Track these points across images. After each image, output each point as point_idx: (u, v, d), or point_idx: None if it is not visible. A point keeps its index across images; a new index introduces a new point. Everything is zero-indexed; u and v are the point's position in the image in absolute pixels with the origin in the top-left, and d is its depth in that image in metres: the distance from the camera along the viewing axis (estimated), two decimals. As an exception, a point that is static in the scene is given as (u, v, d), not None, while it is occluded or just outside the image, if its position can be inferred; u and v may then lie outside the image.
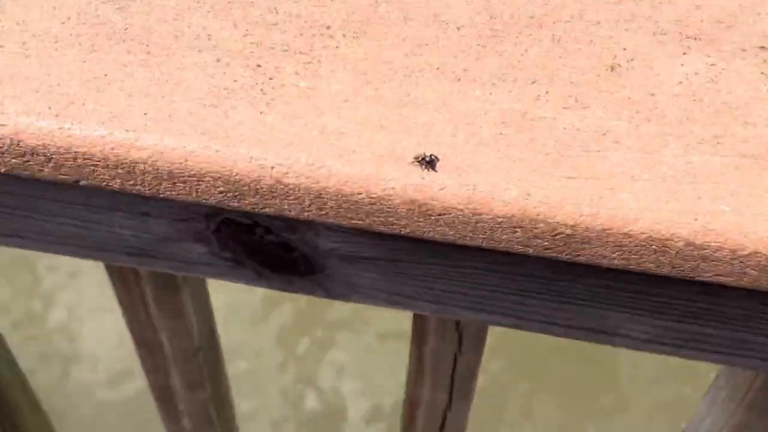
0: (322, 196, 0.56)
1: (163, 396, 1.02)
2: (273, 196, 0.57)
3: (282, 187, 0.56)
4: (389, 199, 0.55)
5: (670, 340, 0.72)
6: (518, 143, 0.56)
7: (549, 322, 0.73)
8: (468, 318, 0.76)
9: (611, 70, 0.59)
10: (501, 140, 0.56)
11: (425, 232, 0.57)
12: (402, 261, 0.68)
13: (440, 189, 0.54)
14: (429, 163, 0.55)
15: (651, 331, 0.72)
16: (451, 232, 0.57)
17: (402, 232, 0.58)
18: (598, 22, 0.62)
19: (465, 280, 0.68)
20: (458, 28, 0.62)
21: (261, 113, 0.57)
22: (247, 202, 0.58)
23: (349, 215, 0.57)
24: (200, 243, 0.72)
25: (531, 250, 0.57)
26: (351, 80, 0.59)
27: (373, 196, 0.55)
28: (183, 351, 0.94)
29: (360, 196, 0.55)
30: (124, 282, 0.86)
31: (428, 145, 0.56)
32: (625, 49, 0.60)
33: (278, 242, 0.70)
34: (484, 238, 0.57)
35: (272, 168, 0.55)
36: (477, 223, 0.55)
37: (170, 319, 0.89)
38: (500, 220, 0.55)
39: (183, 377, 0.98)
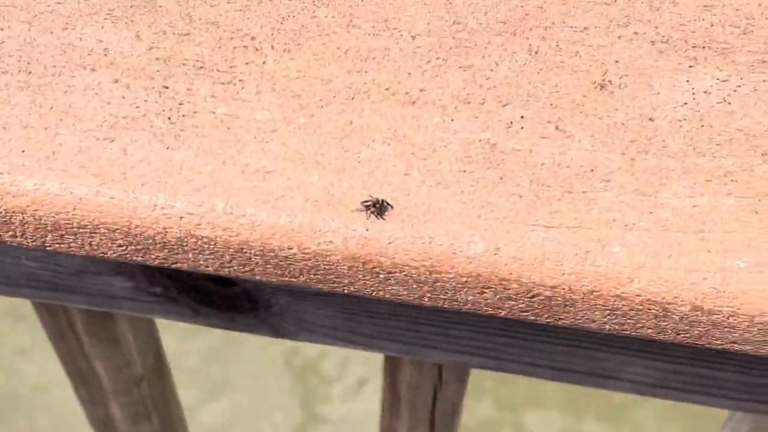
0: (245, 251, 0.50)
1: (104, 429, 0.97)
2: (184, 251, 0.51)
3: (194, 240, 0.50)
4: (327, 256, 0.49)
5: (678, 384, 0.68)
6: (486, 183, 0.50)
7: (534, 364, 0.68)
8: (439, 360, 0.72)
9: (601, 89, 0.53)
10: (465, 180, 0.49)
11: (373, 291, 0.51)
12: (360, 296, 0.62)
13: (389, 243, 0.48)
14: (377, 209, 0.49)
15: (655, 375, 0.68)
16: (404, 292, 0.51)
17: (345, 291, 0.52)
18: (585, 29, 0.55)
19: (435, 318, 0.63)
20: (413, 38, 0.55)
21: (168, 148, 0.50)
22: (153, 256, 0.52)
23: (278, 272, 0.51)
24: (122, 277, 0.66)
25: (504, 313, 0.51)
26: (280, 105, 0.52)
27: (306, 251, 0.49)
28: (123, 381, 0.90)
29: (291, 252, 0.49)
30: (48, 308, 0.80)
31: (375, 187, 0.50)
32: (617, 62, 0.54)
33: (215, 276, 0.64)
34: (445, 299, 0.51)
35: (181, 218, 0.49)
36: (436, 282, 0.49)
37: (106, 348, 0.86)
38: (464, 279, 0.49)
39: (125, 409, 0.95)
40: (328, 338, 0.72)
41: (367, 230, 0.49)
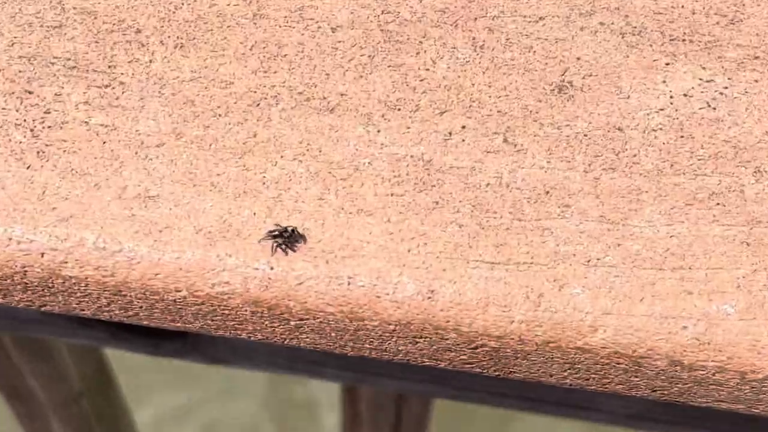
0: (124, 293, 0.42)
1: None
2: (51, 293, 0.43)
3: (61, 281, 0.42)
4: (224, 300, 0.42)
5: (659, 416, 0.62)
6: (418, 210, 0.44)
7: (502, 393, 0.63)
8: (394, 389, 0.66)
9: (559, 93, 0.45)
10: (392, 205, 0.43)
11: (285, 339, 0.44)
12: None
13: (299, 283, 0.43)
14: (285, 241, 0.43)
15: (635, 406, 0.62)
16: (322, 341, 0.44)
17: (252, 338, 0.44)
18: (541, 19, 0.47)
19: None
20: (333, 30, 0.47)
21: (28, 168, 0.43)
22: (16, 299, 0.44)
23: (168, 318, 0.44)
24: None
25: (444, 364, 0.44)
26: (169, 114, 0.45)
27: (198, 295, 0.41)
28: (60, 396, 0.89)
29: (180, 295, 0.42)
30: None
31: (283, 215, 0.43)
32: (579, 60, 0.47)
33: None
34: (371, 349, 0.44)
35: (42, 254, 0.43)
36: (358, 331, 0.42)
37: (37, 362, 0.83)
38: (392, 327, 0.41)
39: (66, 426, 0.93)
40: (270, 366, 0.67)
41: (272, 268, 0.42)
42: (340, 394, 0.81)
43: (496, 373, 0.44)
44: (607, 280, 0.41)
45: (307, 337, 0.44)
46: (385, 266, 0.42)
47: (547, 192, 0.44)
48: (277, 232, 0.42)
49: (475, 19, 0.48)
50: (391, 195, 0.43)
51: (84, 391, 0.89)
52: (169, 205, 0.43)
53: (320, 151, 0.44)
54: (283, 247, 0.42)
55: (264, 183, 0.44)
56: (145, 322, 0.45)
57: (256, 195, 0.43)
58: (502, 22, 0.48)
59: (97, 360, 0.91)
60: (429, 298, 0.41)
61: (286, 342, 0.45)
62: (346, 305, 0.42)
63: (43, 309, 0.46)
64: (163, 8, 0.48)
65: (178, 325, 0.45)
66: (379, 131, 0.45)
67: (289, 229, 0.42)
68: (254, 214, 0.43)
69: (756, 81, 0.46)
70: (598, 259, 0.42)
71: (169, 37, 0.47)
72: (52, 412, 0.89)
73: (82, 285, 0.43)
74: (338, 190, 0.43)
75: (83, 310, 0.45)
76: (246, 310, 0.43)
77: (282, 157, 0.44)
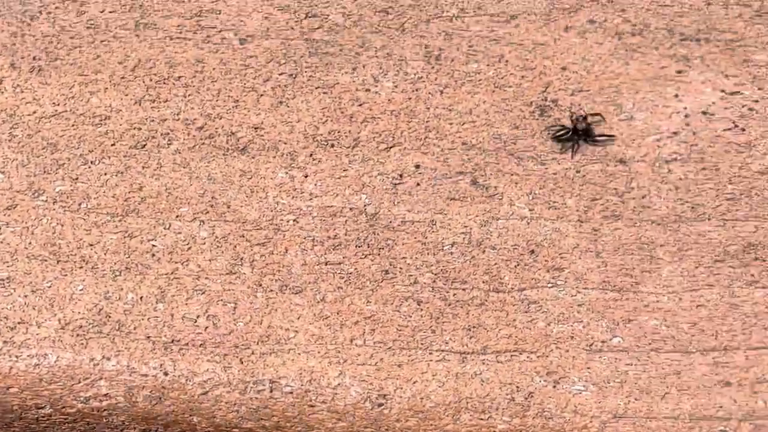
0: None
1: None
2: None
3: None
4: (103, 416, 0.37)
5: None
6: (362, 282, 0.38)
7: None
8: None
9: (541, 115, 0.39)
10: (327, 278, 0.37)
11: None
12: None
13: (203, 393, 0.36)
14: (582, 130, 0.39)
15: None
16: None
17: None
18: (513, 18, 0.40)
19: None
20: (242, 41, 0.40)
21: None
22: None
23: None
24: None
25: None
26: (23, 164, 0.37)
27: (67, 412, 0.38)
28: None
29: (43, 413, 0.37)
30: None
31: (180, 297, 0.34)
32: (565, 70, 0.41)
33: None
34: None
35: None
36: None
37: None
38: None
39: None
40: None
41: (166, 374, 0.36)
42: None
43: None
44: (618, 369, 0.34)
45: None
46: (320, 364, 0.34)
47: (533, 251, 0.36)
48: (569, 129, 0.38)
49: (428, 20, 0.40)
50: (326, 264, 0.36)
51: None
52: (23, 290, 0.35)
53: (228, 207, 0.37)
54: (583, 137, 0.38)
55: (154, 255, 0.36)
56: None
57: (143, 272, 0.36)
58: (462, 24, 0.40)
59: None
60: (380, 405, 0.34)
61: None
62: (269, 419, 0.34)
63: None
64: (14, 19, 0.39)
65: None
66: (306, 176, 0.38)
67: (581, 115, 0.38)
68: (141, 298, 0.35)
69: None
70: (603, 342, 0.34)
71: (22, 57, 0.39)
72: None
73: None
74: (254, 260, 0.36)
75: None
76: (134, 429, 0.34)
77: (177, 216, 0.37)
